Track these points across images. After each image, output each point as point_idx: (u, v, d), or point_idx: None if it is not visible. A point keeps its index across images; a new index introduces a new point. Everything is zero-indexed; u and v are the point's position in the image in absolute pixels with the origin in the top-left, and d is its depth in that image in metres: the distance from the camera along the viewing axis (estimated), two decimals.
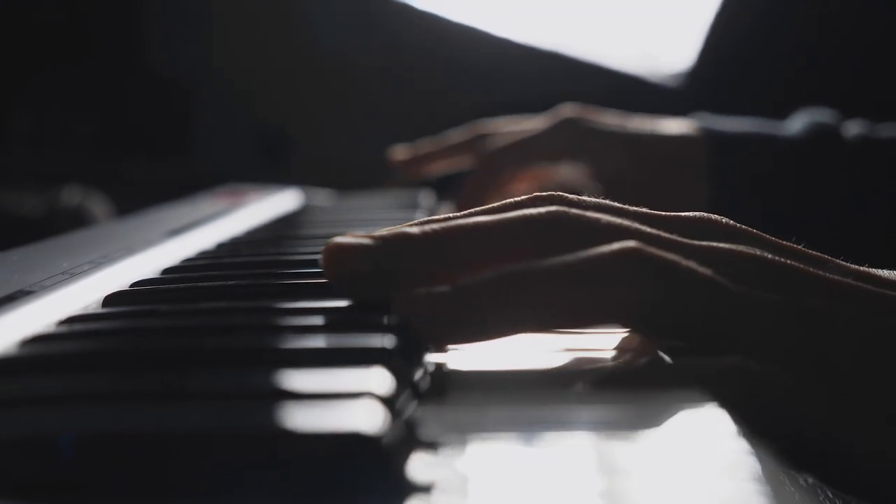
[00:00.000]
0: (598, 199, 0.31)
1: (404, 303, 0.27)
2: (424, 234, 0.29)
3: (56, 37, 1.02)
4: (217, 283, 0.34)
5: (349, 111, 1.13)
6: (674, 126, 0.71)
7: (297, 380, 0.22)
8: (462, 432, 0.22)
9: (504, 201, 0.31)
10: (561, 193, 0.31)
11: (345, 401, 0.21)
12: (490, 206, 0.31)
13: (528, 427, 0.22)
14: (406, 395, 0.23)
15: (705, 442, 0.21)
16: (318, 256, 0.29)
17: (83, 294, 0.33)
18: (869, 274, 0.30)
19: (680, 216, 0.31)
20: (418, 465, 0.20)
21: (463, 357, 0.28)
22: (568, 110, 0.71)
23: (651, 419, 0.23)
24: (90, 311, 0.31)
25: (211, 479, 0.19)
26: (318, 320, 0.28)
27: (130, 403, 0.22)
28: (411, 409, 0.23)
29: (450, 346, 0.29)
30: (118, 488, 0.19)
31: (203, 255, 0.43)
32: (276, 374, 0.23)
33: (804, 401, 0.28)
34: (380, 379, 0.22)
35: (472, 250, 0.29)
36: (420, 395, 0.24)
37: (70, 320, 0.29)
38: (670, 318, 0.27)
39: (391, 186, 0.79)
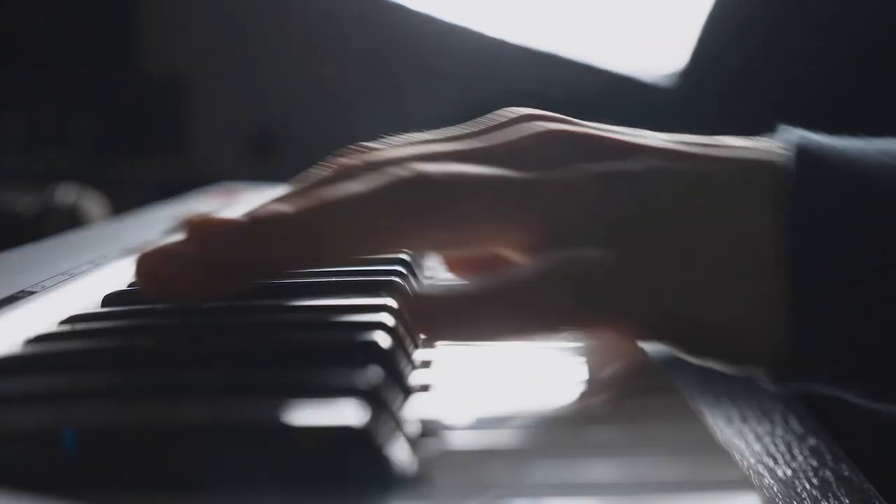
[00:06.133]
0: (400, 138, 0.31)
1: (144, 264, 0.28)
2: (297, 215, 0.28)
3: (49, 37, 1.03)
4: None
5: (340, 110, 1.14)
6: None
7: (292, 375, 0.23)
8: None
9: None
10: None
11: (336, 395, 0.22)
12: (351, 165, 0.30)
13: None
14: (395, 390, 0.24)
15: None
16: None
17: (83, 294, 0.34)
18: (689, 139, 0.30)
19: (478, 122, 0.31)
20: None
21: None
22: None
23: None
24: (90, 310, 0.32)
25: (208, 470, 0.20)
26: (310, 317, 0.29)
27: (130, 399, 0.23)
28: (400, 403, 0.24)
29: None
30: (118, 481, 0.20)
31: None
32: (272, 370, 0.24)
33: (631, 281, 0.27)
34: (367, 374, 0.23)
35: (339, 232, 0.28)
36: (409, 391, 0.25)
37: (71, 319, 0.30)
38: (466, 230, 0.28)
39: None
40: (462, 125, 0.32)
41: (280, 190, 0.31)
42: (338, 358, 0.24)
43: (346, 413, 0.21)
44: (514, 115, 0.31)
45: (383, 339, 0.26)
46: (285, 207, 0.28)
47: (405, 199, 0.27)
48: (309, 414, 0.21)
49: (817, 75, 1.21)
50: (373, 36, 1.14)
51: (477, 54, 1.17)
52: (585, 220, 0.28)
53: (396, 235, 0.28)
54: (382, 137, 0.32)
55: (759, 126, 0.84)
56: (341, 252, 0.29)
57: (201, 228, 0.28)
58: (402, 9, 1.14)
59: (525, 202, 0.28)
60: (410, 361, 0.28)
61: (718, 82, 1.24)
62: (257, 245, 0.28)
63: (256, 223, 0.28)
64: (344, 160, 0.31)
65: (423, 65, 1.17)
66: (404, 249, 0.32)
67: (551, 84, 1.18)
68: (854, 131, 0.75)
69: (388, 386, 0.23)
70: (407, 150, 0.30)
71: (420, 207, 0.27)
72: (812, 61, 1.22)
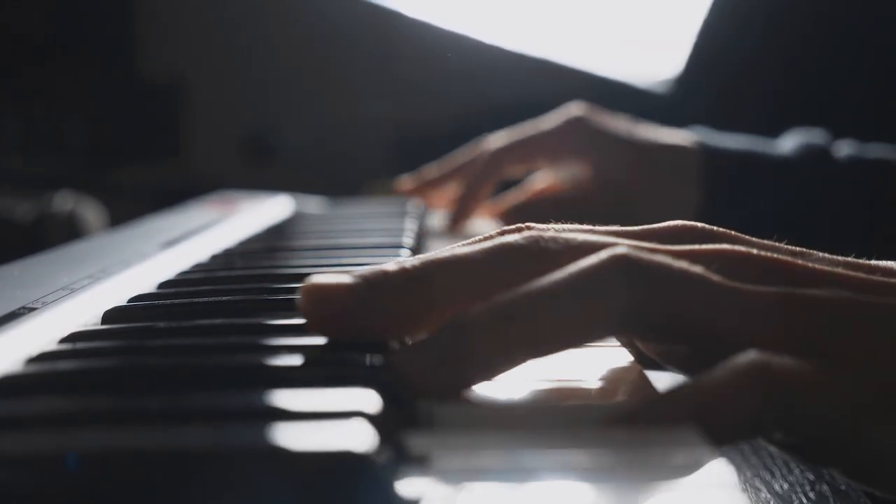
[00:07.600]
0: (568, 225, 0.30)
1: (398, 362, 0.26)
2: (403, 271, 0.28)
3: (46, 42, 1.03)
4: (213, 297, 0.35)
5: (337, 117, 1.14)
6: (674, 136, 0.73)
7: (294, 399, 0.23)
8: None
9: (478, 237, 0.30)
10: (530, 224, 0.30)
11: (338, 420, 0.22)
12: (468, 241, 0.30)
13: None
14: (396, 413, 0.24)
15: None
16: (301, 285, 0.28)
17: (83, 310, 0.34)
18: (859, 263, 0.30)
19: (657, 227, 0.31)
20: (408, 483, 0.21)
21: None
22: (576, 109, 0.72)
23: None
24: (91, 327, 0.32)
25: (209, 495, 0.20)
26: (310, 339, 0.29)
27: (132, 423, 0.23)
28: (402, 428, 0.24)
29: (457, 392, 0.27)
30: None
31: (198, 268, 0.44)
32: (273, 393, 0.24)
33: (826, 393, 0.26)
34: (370, 398, 0.23)
35: (452, 282, 0.28)
36: (410, 414, 0.25)
37: (72, 337, 0.30)
38: (674, 323, 0.27)
39: (376, 193, 0.80)
40: (625, 228, 0.31)
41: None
42: (339, 380, 0.25)
43: (349, 437, 0.21)
44: (677, 225, 0.31)
45: (384, 362, 0.26)
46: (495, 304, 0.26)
47: (617, 282, 0.26)
48: (311, 438, 0.21)
49: (811, 82, 1.21)
50: (370, 43, 1.14)
51: (473, 61, 1.18)
52: (787, 335, 0.27)
53: (601, 321, 0.26)
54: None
55: (754, 132, 0.84)
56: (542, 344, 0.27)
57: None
58: (399, 16, 1.14)
59: (734, 307, 0.27)
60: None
61: (713, 88, 1.25)
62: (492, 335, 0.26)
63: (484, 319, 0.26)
64: (530, 235, 0.28)
65: (419, 72, 1.17)
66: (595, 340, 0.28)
67: (547, 90, 1.18)
68: (847, 137, 0.75)
69: (389, 409, 0.23)
70: (596, 236, 0.29)
71: (632, 292, 0.26)
72: (806, 68, 1.22)
